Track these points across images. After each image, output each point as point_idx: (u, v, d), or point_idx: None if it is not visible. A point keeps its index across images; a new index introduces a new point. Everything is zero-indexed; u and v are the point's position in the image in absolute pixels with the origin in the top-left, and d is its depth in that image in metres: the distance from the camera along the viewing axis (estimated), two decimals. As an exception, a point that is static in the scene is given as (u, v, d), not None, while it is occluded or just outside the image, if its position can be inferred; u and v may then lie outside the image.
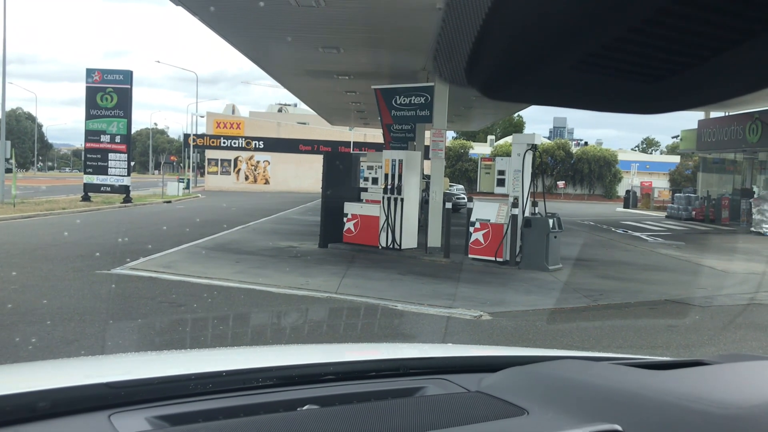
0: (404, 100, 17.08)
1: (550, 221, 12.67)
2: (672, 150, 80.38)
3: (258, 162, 56.25)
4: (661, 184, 51.90)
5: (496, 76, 0.62)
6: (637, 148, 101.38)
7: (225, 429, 1.23)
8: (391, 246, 14.41)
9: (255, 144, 46.52)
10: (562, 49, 0.55)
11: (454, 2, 0.55)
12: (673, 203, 33.07)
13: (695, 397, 1.21)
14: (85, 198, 28.39)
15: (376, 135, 40.34)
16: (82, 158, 32.06)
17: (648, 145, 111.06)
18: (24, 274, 10.13)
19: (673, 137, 78.15)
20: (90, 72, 28.82)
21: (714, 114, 31.24)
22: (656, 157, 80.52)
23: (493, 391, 1.41)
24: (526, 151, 12.98)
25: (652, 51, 0.54)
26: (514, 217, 12.85)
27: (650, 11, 0.49)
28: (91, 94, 28.71)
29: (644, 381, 1.35)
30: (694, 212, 29.97)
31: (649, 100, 0.63)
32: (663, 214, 33.98)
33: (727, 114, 30.06)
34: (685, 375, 1.44)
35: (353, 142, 45.85)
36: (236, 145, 47.07)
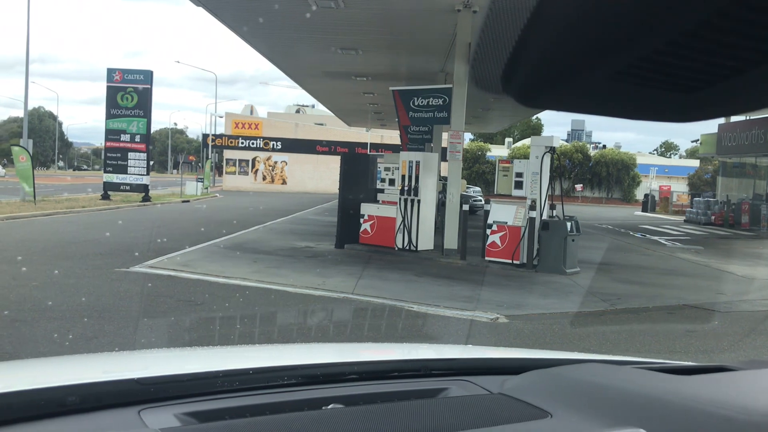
0: (422, 102, 17.08)
1: (568, 224, 12.61)
2: (691, 154, 79.65)
3: (276, 162, 56.45)
4: (680, 188, 51.45)
5: (532, 84, 0.62)
6: (655, 152, 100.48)
7: (252, 426, 1.25)
8: (407, 247, 14.41)
9: (273, 144, 46.74)
10: (600, 60, 0.56)
11: (494, 10, 0.56)
12: (692, 207, 32.79)
13: (720, 402, 1.20)
14: (105, 196, 28.65)
15: (393, 136, 40.36)
16: (102, 157, 32.34)
17: (667, 149, 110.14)
18: (44, 271, 10.25)
19: (692, 141, 77.54)
20: (111, 72, 29.10)
21: (735, 118, 30.91)
22: (675, 161, 79.83)
23: (516, 393, 1.42)
24: (544, 153, 12.92)
25: (689, 63, 0.55)
26: (531, 220, 12.80)
27: (690, 25, 0.50)
28: (112, 93, 28.99)
29: (668, 386, 1.35)
30: (713, 217, 29.69)
31: (684, 109, 0.63)
32: (682, 218, 33.69)
33: (748, 118, 29.73)
34: (709, 380, 1.44)
35: (370, 144, 45.90)
36: (254, 145, 47.32)
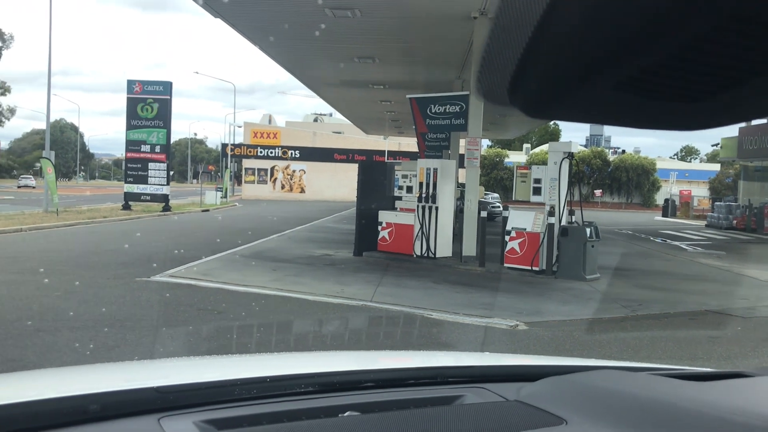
0: (439, 109, 17.09)
1: (588, 230, 12.53)
2: (712, 158, 78.83)
3: (294, 171, 56.72)
4: (700, 192, 50.93)
5: (538, 96, 0.63)
6: (675, 156, 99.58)
7: None
8: (425, 254, 14.40)
9: (291, 153, 46.95)
10: (605, 71, 0.56)
11: (499, 22, 0.57)
12: (713, 212, 32.43)
13: (736, 409, 1.20)
14: (126, 206, 28.95)
15: (410, 143, 40.39)
16: (123, 168, 32.70)
17: (687, 153, 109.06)
18: (67, 281, 10.37)
19: (713, 145, 76.63)
20: (131, 83, 29.45)
21: (756, 121, 30.54)
22: (695, 165, 79.07)
23: (531, 400, 1.42)
24: (563, 159, 12.87)
25: (693, 72, 0.56)
26: (550, 226, 12.74)
27: (693, 35, 0.51)
28: (132, 104, 29.33)
29: (684, 392, 1.34)
30: (735, 221, 29.33)
31: (691, 119, 0.64)
32: (703, 223, 33.33)
33: (769, 121, 29.38)
34: (726, 387, 1.43)
35: (388, 151, 45.93)
36: (273, 154, 47.56)
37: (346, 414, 1.39)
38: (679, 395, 1.32)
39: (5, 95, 65.76)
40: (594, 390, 1.41)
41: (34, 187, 63.76)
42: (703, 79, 0.57)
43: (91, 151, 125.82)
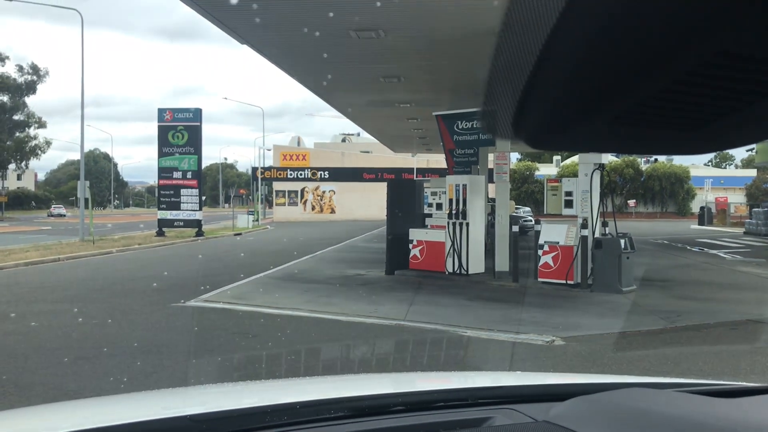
0: (466, 125, 17.08)
1: (622, 241, 12.36)
2: (747, 163, 77.42)
3: (324, 192, 57.07)
4: (737, 199, 50.00)
5: (541, 129, 0.64)
6: (710, 163, 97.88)
7: None
8: (457, 271, 14.32)
9: (320, 174, 47.28)
10: (604, 107, 0.57)
11: (502, 57, 0.58)
12: (751, 218, 31.79)
13: (765, 427, 1.16)
14: (160, 233, 29.35)
15: (439, 160, 40.39)
16: (156, 195, 33.22)
17: (722, 159, 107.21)
18: (104, 308, 10.53)
19: (748, 150, 75.23)
20: (161, 111, 29.99)
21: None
22: (731, 171, 77.66)
23: (560, 420, 1.40)
24: (594, 170, 12.75)
25: (698, 99, 0.56)
26: (584, 239, 12.60)
27: (692, 64, 0.51)
28: (163, 132, 29.85)
29: (714, 410, 1.31)
30: (774, 227, 28.71)
31: (701, 142, 0.63)
32: (740, 230, 32.67)
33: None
34: (759, 403, 1.39)
35: (416, 169, 46.01)
36: (302, 176, 47.94)
37: None
38: (709, 413, 1.28)
39: (43, 128, 67.49)
40: (622, 409, 1.39)
41: (64, 216, 67.30)
42: (701, 109, 0.57)
43: (125, 179, 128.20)
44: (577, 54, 0.52)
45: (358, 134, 79.31)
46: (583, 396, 1.52)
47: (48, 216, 69.59)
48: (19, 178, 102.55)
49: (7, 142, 62.18)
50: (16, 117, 62.99)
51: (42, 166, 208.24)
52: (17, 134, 63.94)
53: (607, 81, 0.54)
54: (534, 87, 0.56)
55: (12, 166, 69.60)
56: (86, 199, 26.48)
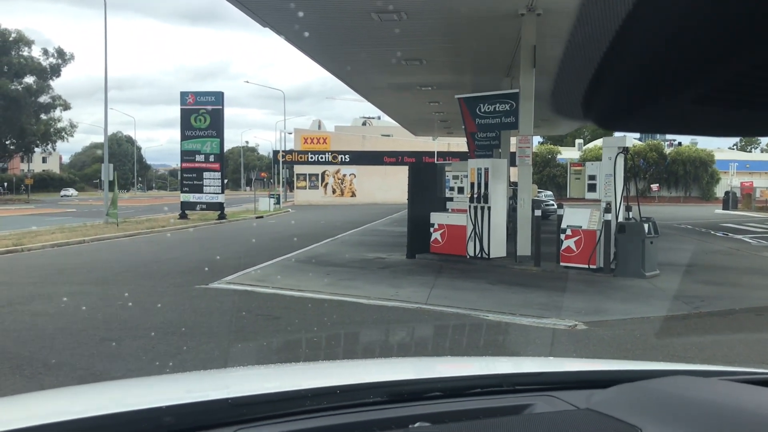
0: (488, 108, 16.95)
1: (646, 226, 12.23)
2: (774, 147, 76.03)
3: (344, 175, 57.09)
4: (763, 183, 49.24)
5: (614, 109, 0.62)
6: (735, 147, 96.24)
7: None
8: (479, 255, 14.28)
9: (341, 158, 47.34)
10: (686, 85, 0.54)
11: (574, 39, 0.56)
12: (777, 203, 31.28)
13: None
14: (183, 216, 29.59)
15: (460, 144, 40.19)
16: (179, 177, 33.45)
17: (747, 143, 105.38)
18: (128, 290, 10.65)
19: (775, 133, 73.65)
20: (184, 95, 30.12)
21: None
22: (756, 155, 76.44)
23: (603, 408, 1.38)
24: (617, 154, 12.60)
25: None
26: (607, 223, 12.49)
27: None
28: (186, 115, 30.00)
29: (761, 399, 1.29)
30: (801, 212, 28.25)
31: None
32: (766, 214, 32.17)
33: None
34: None
35: (437, 152, 45.85)
36: (323, 159, 48.04)
37: (416, 425, 1.37)
38: (756, 402, 1.26)
39: (67, 110, 68.10)
40: (669, 397, 1.37)
41: (70, 196, 75.50)
42: None
43: (147, 162, 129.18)
44: (659, 32, 0.50)
45: (379, 118, 79.11)
46: (627, 383, 1.50)
47: (61, 197, 75.38)
48: (44, 160, 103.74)
49: (34, 126, 62.82)
50: (41, 99, 63.61)
51: (66, 148, 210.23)
52: (42, 116, 64.57)
53: (697, 55, 0.51)
54: (608, 66, 0.54)
55: (38, 149, 70.58)
56: (110, 182, 26.74)
